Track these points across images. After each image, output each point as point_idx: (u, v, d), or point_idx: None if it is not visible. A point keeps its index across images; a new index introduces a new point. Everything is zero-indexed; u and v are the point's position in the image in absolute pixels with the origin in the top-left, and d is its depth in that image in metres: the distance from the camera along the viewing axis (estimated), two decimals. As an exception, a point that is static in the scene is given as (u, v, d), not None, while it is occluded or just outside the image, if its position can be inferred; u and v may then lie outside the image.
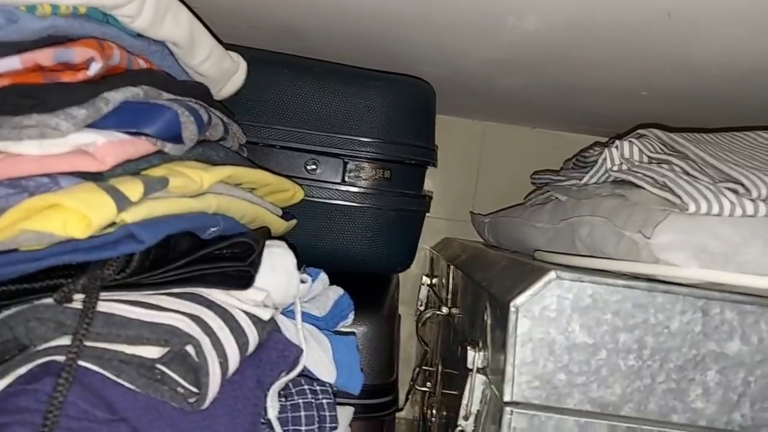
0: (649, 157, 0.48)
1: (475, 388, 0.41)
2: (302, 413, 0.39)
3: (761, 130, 0.52)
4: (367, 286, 0.66)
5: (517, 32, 0.53)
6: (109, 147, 0.32)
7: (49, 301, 0.30)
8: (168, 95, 0.39)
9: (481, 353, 0.42)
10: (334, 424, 0.40)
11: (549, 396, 0.36)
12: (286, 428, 0.39)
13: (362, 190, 0.62)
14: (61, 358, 0.29)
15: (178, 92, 0.40)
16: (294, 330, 0.42)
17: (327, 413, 0.40)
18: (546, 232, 0.57)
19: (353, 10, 0.53)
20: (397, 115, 0.62)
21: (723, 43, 0.50)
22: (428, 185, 0.77)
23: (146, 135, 0.35)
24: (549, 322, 0.36)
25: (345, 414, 0.44)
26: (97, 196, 0.29)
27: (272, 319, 0.39)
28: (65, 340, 0.29)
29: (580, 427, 0.36)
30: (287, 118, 0.61)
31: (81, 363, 0.29)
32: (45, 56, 0.32)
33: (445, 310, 0.64)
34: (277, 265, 0.40)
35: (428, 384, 0.76)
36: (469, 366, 0.42)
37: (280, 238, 0.50)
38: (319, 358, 0.42)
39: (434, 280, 0.83)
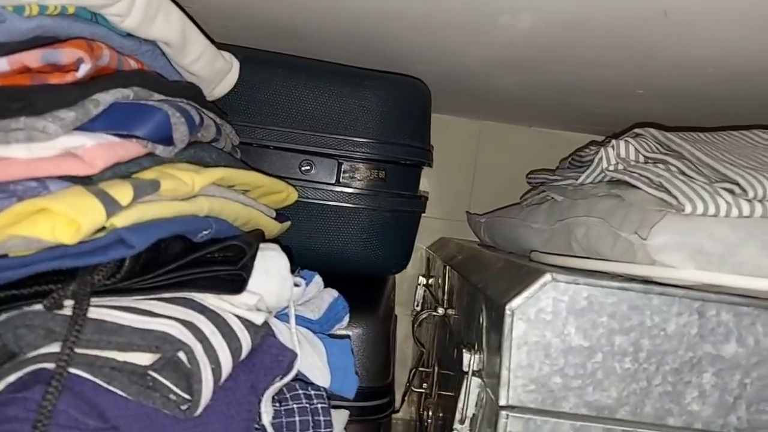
0: (645, 156, 0.48)
1: (471, 391, 0.41)
2: (297, 418, 0.39)
3: (758, 129, 0.52)
4: (363, 287, 0.66)
5: (512, 31, 0.53)
6: (99, 150, 0.32)
7: (38, 307, 0.30)
8: (159, 96, 0.38)
9: (477, 356, 0.42)
10: (328, 429, 0.40)
11: (545, 399, 0.36)
12: (280, 433, 0.38)
13: (357, 191, 0.62)
14: (51, 366, 0.28)
15: (170, 93, 0.40)
16: (288, 334, 0.41)
17: (321, 418, 0.40)
18: (542, 232, 0.57)
19: (348, 9, 0.53)
20: (392, 115, 0.62)
21: (720, 42, 0.50)
22: (424, 184, 0.77)
23: (136, 137, 0.34)
24: (545, 325, 0.36)
25: (340, 417, 0.44)
26: (87, 201, 0.29)
27: (266, 323, 0.39)
28: (55, 348, 0.29)
29: (576, 431, 0.36)
30: (281, 119, 0.60)
31: (71, 370, 0.29)
32: (32, 57, 0.32)
33: (441, 311, 0.64)
34: (271, 269, 0.39)
35: (424, 385, 0.76)
36: (465, 369, 0.42)
37: (275, 240, 0.49)
38: (313, 362, 0.42)
39: (431, 281, 0.83)
